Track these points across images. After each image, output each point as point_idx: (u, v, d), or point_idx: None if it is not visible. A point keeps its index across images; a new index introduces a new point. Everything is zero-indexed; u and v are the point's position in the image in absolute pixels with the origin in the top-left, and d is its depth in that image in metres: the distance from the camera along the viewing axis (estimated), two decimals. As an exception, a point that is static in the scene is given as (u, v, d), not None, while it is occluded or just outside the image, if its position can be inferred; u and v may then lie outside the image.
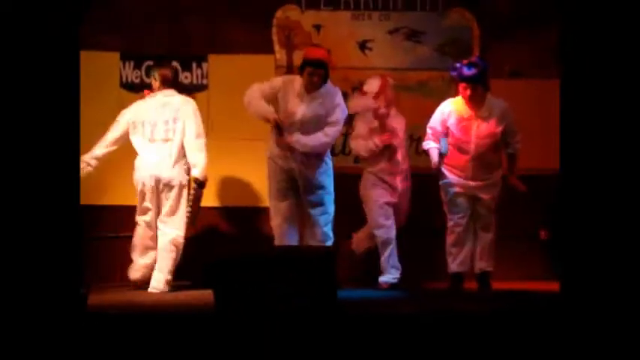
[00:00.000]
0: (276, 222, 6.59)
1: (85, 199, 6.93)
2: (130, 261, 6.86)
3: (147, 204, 6.65)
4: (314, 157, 6.52)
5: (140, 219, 6.69)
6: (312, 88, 6.45)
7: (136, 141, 6.70)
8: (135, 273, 6.81)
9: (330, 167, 6.65)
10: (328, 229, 6.60)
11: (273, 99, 6.48)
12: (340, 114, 6.52)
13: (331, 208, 6.62)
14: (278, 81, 6.57)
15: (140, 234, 6.74)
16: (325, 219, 6.57)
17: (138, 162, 6.69)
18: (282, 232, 6.55)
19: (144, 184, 6.63)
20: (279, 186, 6.56)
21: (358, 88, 7.14)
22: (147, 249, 6.74)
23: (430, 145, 6.86)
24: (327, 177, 6.58)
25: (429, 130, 6.86)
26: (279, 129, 6.44)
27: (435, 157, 6.79)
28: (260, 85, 6.53)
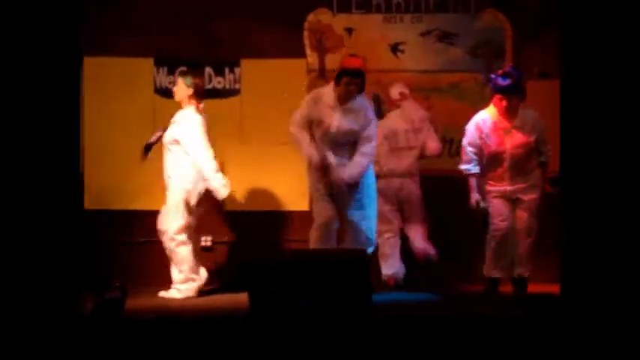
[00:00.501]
0: (314, 225, 6.58)
1: (119, 204, 7.07)
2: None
3: None
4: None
5: None
6: (348, 97, 6.45)
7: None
8: None
9: (371, 171, 6.63)
10: (370, 234, 6.59)
11: (309, 123, 6.50)
12: (374, 129, 6.54)
13: (373, 213, 6.62)
14: (306, 104, 6.54)
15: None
16: (366, 224, 6.56)
17: None
18: (318, 236, 6.54)
19: None
20: (319, 190, 6.56)
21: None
22: None
23: (473, 170, 6.73)
24: (368, 182, 6.58)
25: (467, 149, 6.74)
26: (327, 169, 6.45)
27: (474, 192, 6.69)
28: (295, 118, 6.52)
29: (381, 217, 6.95)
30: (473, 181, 6.73)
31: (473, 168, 6.74)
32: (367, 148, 6.48)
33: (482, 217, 6.75)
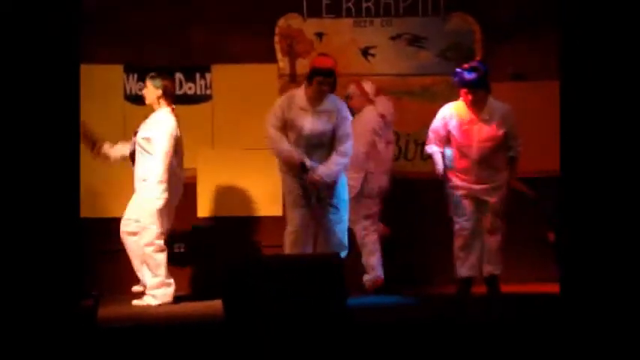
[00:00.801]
0: (288, 230, 6.56)
1: (92, 211, 7.01)
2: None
3: None
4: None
5: None
6: (320, 97, 6.44)
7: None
8: None
9: (344, 176, 6.63)
10: (343, 238, 6.58)
11: (284, 125, 6.47)
12: (349, 128, 6.52)
13: (345, 216, 6.61)
14: (279, 106, 6.50)
15: None
16: (340, 227, 6.55)
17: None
18: (292, 240, 6.52)
19: None
20: (293, 195, 6.53)
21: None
22: None
23: (433, 148, 6.84)
24: (341, 186, 6.57)
25: (430, 134, 6.85)
26: (305, 168, 6.42)
27: (439, 162, 6.78)
28: (270, 122, 6.48)
29: (373, 218, 6.99)
30: (437, 155, 6.79)
31: (432, 147, 6.83)
32: (344, 147, 6.47)
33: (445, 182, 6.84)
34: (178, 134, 6.65)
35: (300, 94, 6.51)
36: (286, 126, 6.47)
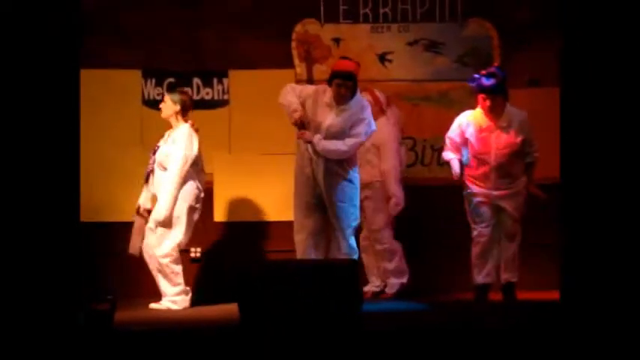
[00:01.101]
0: (300, 237, 6.53)
1: (106, 216, 7.05)
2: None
3: None
4: (336, 166, 6.50)
5: None
6: (340, 99, 6.42)
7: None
8: None
9: (356, 180, 6.62)
10: (352, 242, 6.57)
11: (301, 104, 6.45)
12: (364, 127, 6.47)
13: (355, 222, 6.61)
14: (310, 89, 6.54)
15: None
16: (348, 232, 6.55)
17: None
18: (305, 247, 6.50)
19: None
20: (306, 200, 6.52)
21: None
22: None
23: (450, 155, 6.82)
24: (350, 189, 6.56)
25: (447, 141, 6.82)
26: (302, 125, 6.40)
27: (456, 168, 6.75)
28: (295, 85, 6.59)
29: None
30: (454, 162, 6.76)
31: (449, 154, 6.81)
32: (350, 141, 6.43)
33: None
34: (197, 152, 6.67)
35: (329, 91, 6.48)
36: (306, 118, 6.43)
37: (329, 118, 6.42)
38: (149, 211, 6.67)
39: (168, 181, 6.58)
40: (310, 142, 6.40)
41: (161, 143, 6.74)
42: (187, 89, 7.09)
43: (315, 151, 6.41)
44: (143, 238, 6.67)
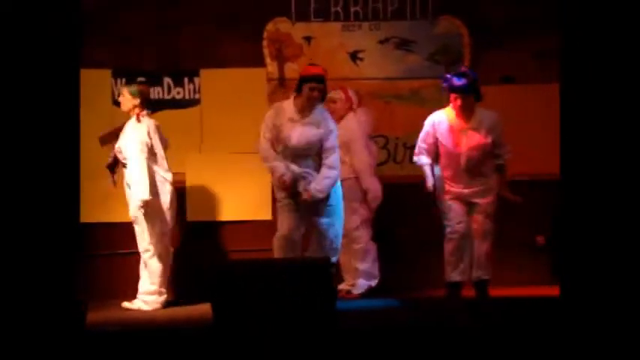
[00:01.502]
0: (278, 234, 6.52)
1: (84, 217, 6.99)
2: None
3: None
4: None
5: None
6: (310, 104, 6.42)
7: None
8: None
9: (337, 180, 6.61)
10: (337, 243, 6.57)
11: (274, 136, 6.45)
12: (335, 139, 6.51)
13: (340, 221, 6.61)
14: (269, 118, 6.46)
15: None
16: (333, 231, 6.54)
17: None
18: (282, 244, 6.48)
19: None
20: (285, 199, 6.49)
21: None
22: None
23: (422, 160, 6.79)
24: (334, 190, 6.56)
25: (420, 144, 6.79)
26: (296, 191, 6.43)
27: (429, 176, 6.71)
28: (263, 134, 6.46)
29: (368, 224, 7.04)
30: (427, 169, 6.76)
31: (422, 159, 6.79)
32: (331, 161, 6.45)
33: (434, 199, 6.78)
34: (151, 140, 6.67)
35: (288, 105, 6.48)
36: (273, 136, 6.45)
37: (295, 132, 6.41)
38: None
39: (131, 168, 6.61)
40: (312, 198, 6.40)
41: (121, 137, 6.76)
42: (145, 83, 7.06)
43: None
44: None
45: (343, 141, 6.90)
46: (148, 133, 6.66)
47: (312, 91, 6.39)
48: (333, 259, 6.41)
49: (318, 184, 6.41)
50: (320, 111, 6.52)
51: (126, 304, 6.72)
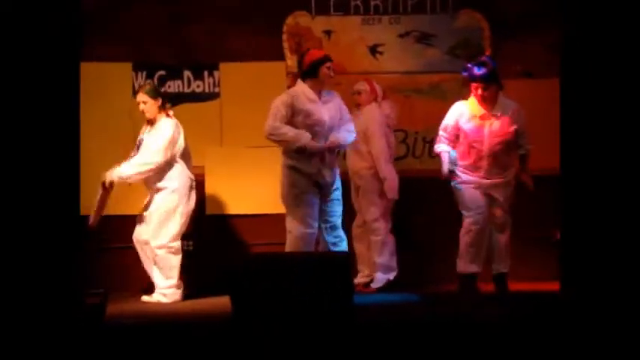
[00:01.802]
0: (300, 230, 6.37)
1: (92, 209, 7.03)
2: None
3: None
4: (335, 156, 6.53)
5: None
6: (329, 83, 6.47)
7: None
8: None
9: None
10: (341, 230, 6.57)
11: (293, 114, 6.37)
12: (347, 111, 6.60)
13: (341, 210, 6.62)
14: (285, 103, 6.35)
15: None
16: (340, 220, 6.54)
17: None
18: (306, 243, 6.37)
19: None
20: (301, 192, 6.39)
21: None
22: None
23: (442, 147, 6.79)
24: (338, 180, 6.58)
25: (441, 133, 6.80)
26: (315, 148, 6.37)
27: (445, 164, 6.72)
28: (274, 119, 6.34)
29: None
30: (445, 155, 6.75)
31: (442, 146, 6.79)
32: (352, 127, 6.54)
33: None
34: (183, 142, 6.75)
35: (303, 89, 6.41)
36: (296, 121, 6.35)
37: (324, 112, 6.39)
38: (112, 185, 6.68)
39: (141, 161, 6.64)
40: (340, 145, 6.48)
41: (145, 136, 6.75)
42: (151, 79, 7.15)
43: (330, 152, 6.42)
44: (102, 211, 6.73)
45: (362, 130, 6.91)
46: (179, 133, 6.73)
47: (329, 69, 6.40)
48: (344, 247, 6.46)
49: (343, 137, 6.44)
50: (328, 91, 6.53)
51: (145, 298, 6.75)
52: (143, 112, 6.76)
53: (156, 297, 6.71)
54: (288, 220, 6.46)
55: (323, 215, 6.46)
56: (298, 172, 6.40)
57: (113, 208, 7.08)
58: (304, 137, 6.27)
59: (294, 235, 6.40)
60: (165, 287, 6.68)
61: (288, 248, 6.45)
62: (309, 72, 6.42)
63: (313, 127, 6.36)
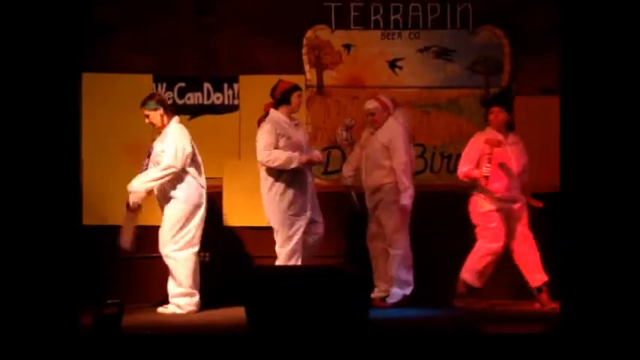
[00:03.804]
0: (292, 247, 6.74)
1: (117, 219, 7.06)
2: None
3: None
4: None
5: None
6: (299, 109, 6.91)
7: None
8: None
9: None
10: None
11: (277, 139, 6.77)
12: None
13: None
14: (271, 132, 6.75)
15: None
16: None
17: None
18: (297, 256, 6.73)
19: None
20: (297, 207, 6.76)
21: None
22: None
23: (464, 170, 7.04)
24: None
25: (464, 159, 7.00)
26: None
27: (476, 173, 6.96)
28: (271, 147, 6.73)
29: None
30: (472, 172, 6.93)
31: (464, 169, 6.99)
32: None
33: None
34: (191, 147, 6.79)
35: (277, 115, 6.80)
36: (279, 144, 6.76)
37: (300, 135, 6.89)
38: (139, 206, 6.72)
39: (157, 168, 6.70)
40: (321, 161, 7.10)
41: (155, 144, 6.78)
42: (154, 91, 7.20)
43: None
44: (134, 233, 6.76)
45: (383, 145, 6.92)
46: (185, 137, 6.75)
47: (299, 97, 6.84)
48: None
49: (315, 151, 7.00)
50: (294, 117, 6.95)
51: (161, 310, 6.77)
52: (151, 124, 6.84)
53: (171, 308, 6.73)
54: None
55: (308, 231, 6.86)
56: (291, 187, 6.83)
57: (139, 218, 7.11)
58: (294, 157, 6.71)
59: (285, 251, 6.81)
60: (177, 295, 6.70)
61: None
62: (282, 100, 6.78)
63: (295, 148, 6.73)
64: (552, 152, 6.73)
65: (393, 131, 6.99)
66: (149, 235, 6.98)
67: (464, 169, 6.92)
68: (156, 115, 6.80)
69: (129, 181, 6.79)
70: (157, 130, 6.87)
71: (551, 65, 7.47)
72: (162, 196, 6.78)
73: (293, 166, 6.72)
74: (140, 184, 6.67)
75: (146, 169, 6.80)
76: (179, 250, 6.69)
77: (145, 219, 7.04)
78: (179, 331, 6.02)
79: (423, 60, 7.64)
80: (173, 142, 6.71)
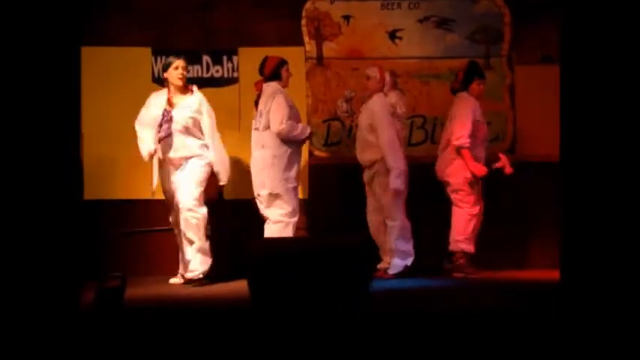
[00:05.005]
0: (296, 219, 6.90)
1: (116, 193, 7.07)
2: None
3: None
4: None
5: None
6: (288, 82, 6.96)
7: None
8: None
9: None
10: None
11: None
12: None
13: None
14: (286, 103, 6.81)
15: None
16: None
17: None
18: (292, 230, 6.88)
19: None
20: (296, 182, 6.89)
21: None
22: None
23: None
24: None
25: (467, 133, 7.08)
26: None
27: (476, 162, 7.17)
28: (287, 118, 6.78)
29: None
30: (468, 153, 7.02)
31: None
32: None
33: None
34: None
35: (281, 88, 6.87)
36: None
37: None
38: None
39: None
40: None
41: (176, 111, 6.75)
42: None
43: None
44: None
45: (367, 122, 6.92)
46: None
47: (288, 71, 6.91)
48: None
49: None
50: None
51: (172, 280, 6.85)
52: (181, 78, 6.82)
53: (179, 277, 6.78)
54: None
55: None
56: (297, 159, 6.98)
57: (137, 192, 7.13)
58: (307, 127, 7.00)
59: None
60: (195, 250, 6.71)
61: None
62: (272, 76, 6.86)
63: (298, 119, 6.91)
64: (552, 121, 6.77)
65: (376, 109, 6.97)
66: (148, 209, 7.00)
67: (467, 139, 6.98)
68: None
69: (128, 153, 6.79)
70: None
71: (552, 34, 7.48)
72: (193, 151, 6.80)
73: (306, 135, 6.91)
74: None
75: (167, 133, 6.76)
76: (202, 205, 6.75)
77: (142, 193, 7.06)
78: (182, 304, 6.04)
79: (423, 30, 7.61)
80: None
